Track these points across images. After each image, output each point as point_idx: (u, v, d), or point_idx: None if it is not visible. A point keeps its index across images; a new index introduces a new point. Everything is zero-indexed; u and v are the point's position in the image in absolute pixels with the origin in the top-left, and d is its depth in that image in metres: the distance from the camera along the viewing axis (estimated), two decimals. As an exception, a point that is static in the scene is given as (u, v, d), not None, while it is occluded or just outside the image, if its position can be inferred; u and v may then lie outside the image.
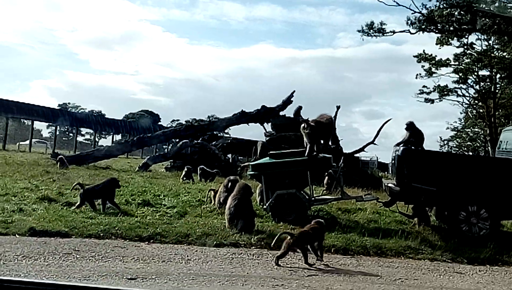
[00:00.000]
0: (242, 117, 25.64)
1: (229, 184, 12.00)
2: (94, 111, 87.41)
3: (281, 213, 11.38)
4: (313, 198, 12.06)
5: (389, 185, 12.07)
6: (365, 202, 12.81)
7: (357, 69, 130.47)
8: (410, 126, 13.02)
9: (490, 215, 10.98)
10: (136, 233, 9.30)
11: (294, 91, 25.56)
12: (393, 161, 12.45)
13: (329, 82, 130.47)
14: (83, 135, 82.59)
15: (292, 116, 24.92)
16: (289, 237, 8.33)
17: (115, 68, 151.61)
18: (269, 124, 25.11)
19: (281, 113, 25.45)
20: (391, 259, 9.17)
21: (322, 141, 12.50)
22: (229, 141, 27.83)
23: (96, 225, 9.53)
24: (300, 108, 24.97)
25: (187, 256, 8.25)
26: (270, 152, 12.96)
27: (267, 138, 24.34)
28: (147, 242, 9.00)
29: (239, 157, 28.12)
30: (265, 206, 11.68)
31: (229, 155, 27.66)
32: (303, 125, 12.22)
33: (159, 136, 27.74)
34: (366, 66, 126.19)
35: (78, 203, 11.21)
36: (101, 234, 9.13)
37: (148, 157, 27.61)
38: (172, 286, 6.61)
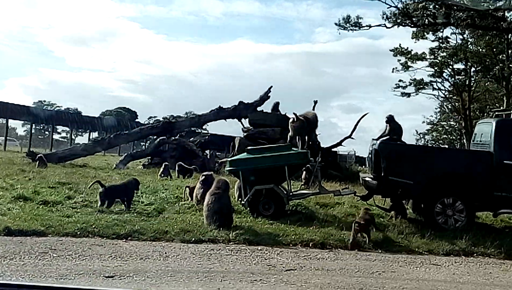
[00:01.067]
0: (220, 113, 25.60)
1: (204, 180, 11.99)
2: (71, 109, 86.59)
3: (259, 208, 11.41)
4: (291, 193, 12.10)
5: (366, 179, 12.16)
6: (342, 196, 12.87)
7: (335, 64, 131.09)
8: (390, 120, 13.13)
9: (465, 207, 11.12)
10: (114, 230, 9.23)
11: (271, 87, 25.61)
12: (370, 155, 12.53)
13: (308, 77, 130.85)
14: (59, 133, 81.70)
15: (269, 111, 24.96)
16: (356, 224, 9.44)
17: (92, 65, 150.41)
18: (247, 119, 25.09)
19: (259, 108, 25.45)
20: (368, 252, 9.22)
21: (306, 137, 12.60)
22: (207, 137, 27.80)
23: (73, 224, 9.44)
24: (277, 103, 25.03)
25: (165, 253, 8.22)
26: (248, 147, 12.95)
27: (245, 134, 24.34)
28: (124, 240, 8.94)
29: (217, 153, 28.11)
30: (243, 202, 11.69)
31: (207, 151, 27.62)
32: (292, 118, 12.32)
33: (136, 133, 27.58)
34: (345, 61, 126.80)
35: (99, 203, 11.26)
36: (78, 233, 9.05)
37: (126, 154, 27.44)
38: (150, 283, 6.58)
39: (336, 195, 12.78)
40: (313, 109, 24.65)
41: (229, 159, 12.77)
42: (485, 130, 12.09)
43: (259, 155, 12.05)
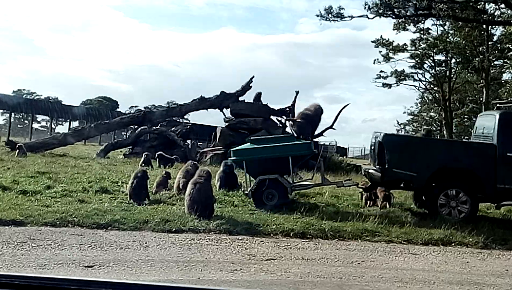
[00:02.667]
0: (201, 103, 25.53)
1: (189, 169, 12.00)
2: (51, 98, 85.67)
3: (262, 199, 11.43)
4: (294, 184, 12.14)
5: (370, 171, 12.14)
6: (345, 187, 12.93)
7: (318, 55, 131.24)
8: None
9: (469, 198, 11.20)
10: (94, 220, 9.19)
11: (253, 77, 25.54)
12: (372, 147, 12.52)
13: (291, 67, 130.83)
14: (39, 122, 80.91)
15: (251, 101, 24.94)
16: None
17: (73, 54, 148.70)
18: (229, 109, 25.04)
19: (241, 98, 25.40)
20: (348, 242, 9.28)
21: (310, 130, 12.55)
22: (188, 127, 27.69)
23: (52, 213, 9.38)
24: (259, 94, 25.00)
25: (146, 243, 8.20)
26: (251, 138, 12.90)
27: (227, 124, 24.30)
28: (104, 230, 8.90)
29: (199, 143, 28.05)
30: (246, 192, 11.72)
31: (189, 141, 27.56)
32: (290, 123, 12.32)
33: (117, 122, 27.41)
34: (328, 52, 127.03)
35: None
36: (58, 222, 8.99)
37: (106, 143, 27.27)
38: (130, 273, 6.57)
39: (339, 186, 12.79)
40: (294, 100, 24.80)
41: (233, 149, 12.69)
42: (487, 122, 12.16)
43: (263, 146, 12.06)
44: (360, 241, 9.38)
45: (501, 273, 7.79)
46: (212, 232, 9.10)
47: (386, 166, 11.37)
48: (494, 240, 9.68)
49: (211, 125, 27.49)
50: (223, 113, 25.36)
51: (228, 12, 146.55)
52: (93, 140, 38.62)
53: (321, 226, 9.75)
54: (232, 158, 12.40)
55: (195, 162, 12.91)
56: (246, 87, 25.35)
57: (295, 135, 12.29)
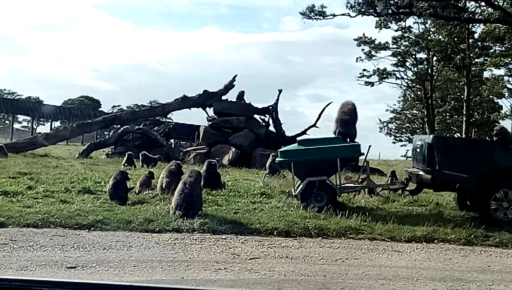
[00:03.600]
0: (184, 102, 25.46)
1: (172, 169, 11.96)
2: (32, 98, 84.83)
3: (311, 200, 11.35)
4: (341, 186, 12.11)
5: (419, 173, 12.00)
6: (390, 190, 12.94)
7: (302, 53, 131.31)
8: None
9: None
10: (76, 221, 9.12)
11: (235, 76, 25.55)
12: (418, 149, 12.45)
13: (275, 66, 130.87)
14: (20, 122, 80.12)
15: (234, 100, 24.94)
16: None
17: (56, 53, 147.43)
18: (212, 108, 25.01)
19: (224, 97, 25.39)
20: (332, 239, 9.30)
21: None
22: (171, 126, 27.60)
23: (34, 214, 9.29)
24: (242, 92, 25.03)
25: (129, 243, 8.16)
26: (299, 138, 12.73)
27: (210, 123, 24.27)
28: (87, 230, 8.84)
29: (182, 142, 27.98)
30: (294, 193, 11.69)
31: (172, 141, 27.46)
32: (345, 118, 12.25)
33: (100, 122, 27.23)
34: (312, 50, 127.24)
35: None
36: (40, 223, 8.92)
37: (89, 143, 27.08)
38: (113, 274, 6.53)
39: (385, 188, 12.82)
40: (278, 99, 24.85)
41: (280, 150, 12.64)
42: None
43: (312, 147, 11.99)
44: (343, 239, 9.40)
45: (483, 269, 7.85)
46: (196, 232, 9.07)
47: (436, 168, 11.29)
48: (476, 236, 9.76)
49: (194, 124, 27.41)
50: (206, 112, 25.36)
51: (212, 10, 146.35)
52: (75, 140, 38.31)
53: (305, 224, 9.75)
54: (280, 159, 12.34)
55: (179, 162, 12.85)
56: (229, 86, 25.34)
57: (338, 135, 12.15)
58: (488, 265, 8.15)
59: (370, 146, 12.91)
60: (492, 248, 9.34)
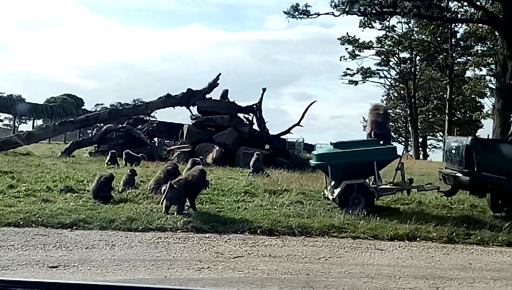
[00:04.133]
0: (168, 101, 25.35)
1: (169, 169, 11.97)
2: (14, 95, 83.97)
3: (349, 203, 11.34)
4: (378, 188, 12.01)
5: (457, 175, 11.94)
6: (426, 191, 12.94)
7: (287, 51, 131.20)
8: None
9: None
10: (58, 220, 9.05)
11: (219, 74, 25.51)
12: (453, 151, 12.44)
13: (260, 64, 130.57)
14: (1, 120, 79.36)
15: (218, 99, 24.91)
16: None
17: (38, 51, 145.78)
18: (195, 107, 24.95)
19: (208, 96, 25.33)
20: (315, 238, 9.32)
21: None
22: (155, 125, 27.49)
23: (15, 213, 9.22)
24: (226, 91, 25.00)
25: (112, 242, 8.11)
26: (334, 142, 12.67)
27: (194, 121, 24.23)
28: (70, 229, 8.78)
29: (166, 141, 27.89)
30: (332, 196, 11.65)
31: (155, 139, 27.37)
32: (375, 113, 12.21)
33: (82, 120, 27.04)
34: (297, 48, 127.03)
35: None
36: (21, 222, 8.84)
37: (71, 142, 26.89)
38: (96, 273, 6.49)
39: (420, 190, 12.82)
40: (262, 97, 24.86)
41: (315, 153, 12.64)
42: None
43: (349, 150, 11.96)
44: (327, 237, 9.42)
45: (465, 267, 7.92)
46: (179, 230, 9.05)
47: (475, 170, 11.28)
48: (458, 234, 9.84)
49: (178, 123, 27.32)
50: (190, 111, 25.30)
51: (197, 8, 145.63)
52: (58, 138, 38.04)
53: (288, 223, 9.76)
54: (316, 162, 12.30)
55: (176, 163, 12.83)
56: (213, 84, 25.30)
57: (372, 137, 12.13)
58: (470, 262, 8.22)
59: (404, 148, 12.96)
60: (474, 246, 9.43)
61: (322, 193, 12.61)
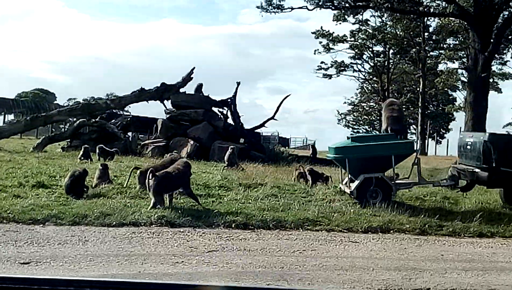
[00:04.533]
0: (142, 95, 25.13)
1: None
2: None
3: (367, 197, 11.41)
4: (396, 183, 12.11)
5: (475, 170, 12.05)
6: (442, 187, 13.02)
7: (262, 45, 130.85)
8: None
9: None
10: (30, 216, 8.94)
11: (193, 68, 25.35)
12: (469, 146, 12.54)
13: (234, 58, 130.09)
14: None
15: (192, 93, 24.79)
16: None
17: (8, 45, 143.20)
18: (170, 101, 24.79)
19: (182, 90, 25.18)
20: (290, 231, 9.36)
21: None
22: (128, 119, 27.25)
23: (-15, 210, 9.08)
24: (201, 85, 24.87)
25: (85, 237, 8.05)
26: (352, 135, 12.62)
27: (168, 116, 24.07)
28: (42, 225, 8.69)
29: (140, 135, 27.66)
30: (350, 190, 11.66)
31: (129, 134, 27.14)
32: (390, 108, 12.30)
33: (54, 115, 26.69)
34: (271, 42, 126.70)
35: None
36: (-8, 219, 8.72)
37: (43, 137, 26.53)
38: (68, 269, 6.43)
39: (435, 185, 12.88)
40: (236, 91, 24.83)
41: (333, 146, 12.61)
42: None
43: (368, 144, 12.12)
44: (301, 230, 9.47)
45: (437, 258, 8.03)
46: (154, 225, 9.02)
47: (493, 165, 11.42)
48: (430, 226, 9.98)
49: (152, 117, 27.11)
50: (164, 105, 25.10)
51: (169, 2, 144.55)
52: (30, 133, 37.49)
53: (263, 217, 9.79)
54: (333, 156, 12.34)
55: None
56: (187, 78, 25.15)
57: (388, 132, 12.20)
58: (442, 254, 8.34)
59: (421, 144, 13.07)
60: (446, 238, 9.57)
61: (338, 187, 12.71)
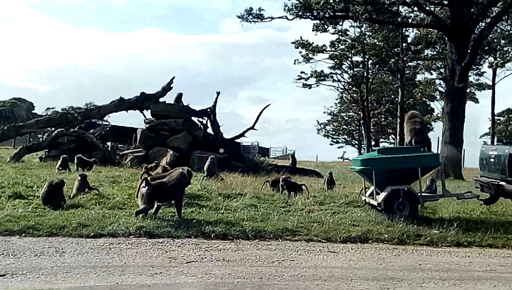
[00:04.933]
0: (121, 105, 25.00)
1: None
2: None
3: (394, 208, 11.42)
4: (422, 195, 12.12)
5: (501, 183, 12.12)
6: (465, 199, 13.06)
7: (243, 55, 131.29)
8: None
9: None
10: (6, 227, 8.85)
11: (173, 78, 25.29)
12: (492, 159, 12.65)
13: (216, 68, 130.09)
14: None
15: (172, 102, 24.74)
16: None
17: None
18: (149, 111, 24.70)
19: (162, 99, 25.11)
20: (269, 241, 9.37)
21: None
22: (107, 129, 27.09)
23: (-39, 221, 8.96)
24: (180, 94, 24.84)
25: (62, 249, 7.97)
26: (379, 148, 12.86)
27: (147, 125, 23.97)
28: (18, 236, 8.60)
29: (119, 145, 27.50)
30: (377, 202, 11.66)
31: (108, 143, 26.97)
32: (413, 120, 12.44)
33: (32, 124, 26.43)
34: (252, 52, 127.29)
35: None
36: (-33, 230, 8.60)
37: (21, 146, 26.25)
38: (45, 281, 6.36)
39: (459, 198, 12.94)
40: (216, 101, 24.84)
41: (360, 158, 12.87)
42: None
43: (395, 156, 12.18)
44: (280, 240, 9.49)
45: (414, 268, 8.09)
46: (132, 236, 8.97)
47: None
48: (408, 236, 10.07)
49: (132, 127, 26.97)
50: (144, 115, 24.99)
51: (151, 11, 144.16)
52: (7, 143, 37.06)
53: (242, 227, 9.79)
54: (360, 168, 12.40)
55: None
56: (167, 88, 25.09)
57: (412, 144, 12.31)
58: (419, 263, 8.40)
59: (444, 157, 13.15)
60: (424, 247, 9.65)
61: (363, 199, 12.78)
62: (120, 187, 13.47)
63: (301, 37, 55.48)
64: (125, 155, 22.34)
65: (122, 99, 24.95)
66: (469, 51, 32.30)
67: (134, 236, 8.96)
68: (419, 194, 11.93)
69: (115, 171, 17.33)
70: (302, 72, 58.86)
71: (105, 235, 8.90)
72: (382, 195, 11.67)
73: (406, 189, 11.72)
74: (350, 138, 71.50)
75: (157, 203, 10.12)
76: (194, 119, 24.75)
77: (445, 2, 34.34)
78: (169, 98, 25.02)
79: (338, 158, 64.06)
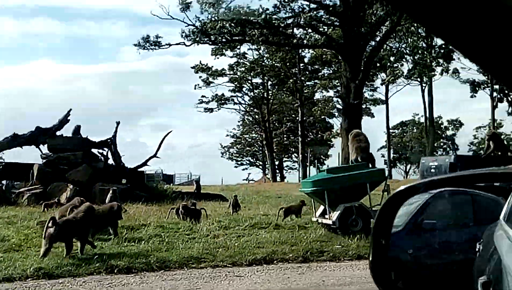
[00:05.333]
0: (14, 141, 23.98)
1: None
2: None
3: (348, 225, 11.57)
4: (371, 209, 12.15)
5: None
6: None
7: (142, 82, 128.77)
8: (493, 137, 13.67)
9: None
10: None
11: (70, 110, 24.64)
12: (433, 170, 12.98)
13: (115, 97, 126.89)
14: None
15: (70, 135, 24.05)
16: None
17: None
18: (46, 145, 23.84)
19: (59, 133, 24.34)
20: (174, 271, 9.26)
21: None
22: (1, 166, 25.87)
23: None
24: (79, 127, 24.23)
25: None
26: (328, 168, 13.39)
27: (44, 160, 23.11)
28: None
29: (15, 183, 26.31)
30: (331, 221, 11.73)
31: (3, 182, 25.75)
32: (357, 139, 12.53)
33: None
34: (151, 79, 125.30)
35: None
36: None
37: None
38: None
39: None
40: (116, 131, 24.39)
41: (310, 180, 13.04)
42: None
43: (345, 174, 12.30)
44: (186, 269, 9.40)
45: (318, 285, 8.25)
46: (29, 279, 8.57)
47: None
48: (312, 253, 10.27)
49: (28, 163, 25.90)
50: (40, 150, 24.08)
51: (45, 42, 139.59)
52: None
53: (146, 259, 9.60)
54: (311, 189, 12.41)
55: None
56: (64, 120, 24.38)
57: (359, 161, 12.51)
58: (323, 279, 8.58)
59: (389, 170, 13.53)
60: (327, 263, 9.88)
61: (314, 220, 12.93)
62: (15, 227, 12.83)
63: (200, 61, 55.81)
64: (21, 193, 21.38)
65: (16, 135, 23.95)
66: (362, 68, 33.68)
67: (32, 278, 8.56)
68: (370, 209, 12.28)
69: (10, 211, 16.52)
70: (203, 96, 59.17)
71: (0, 280, 8.44)
72: (336, 213, 11.97)
73: (357, 205, 12.11)
74: (254, 159, 72.18)
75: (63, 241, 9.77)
76: (94, 151, 24.17)
77: (337, 24, 35.71)
78: (67, 131, 24.31)
79: (243, 179, 64.48)
